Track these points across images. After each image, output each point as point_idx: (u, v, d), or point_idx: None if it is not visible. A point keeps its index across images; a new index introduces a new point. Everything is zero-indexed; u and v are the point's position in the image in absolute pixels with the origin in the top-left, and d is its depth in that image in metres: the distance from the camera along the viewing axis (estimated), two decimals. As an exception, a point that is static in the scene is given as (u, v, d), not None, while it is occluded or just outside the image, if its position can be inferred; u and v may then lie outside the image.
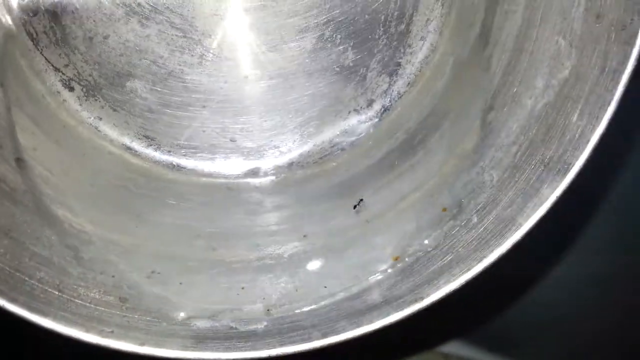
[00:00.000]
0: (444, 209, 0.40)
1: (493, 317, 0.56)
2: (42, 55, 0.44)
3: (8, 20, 0.43)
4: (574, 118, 0.35)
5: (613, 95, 0.33)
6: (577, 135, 0.35)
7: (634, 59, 0.33)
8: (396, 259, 0.39)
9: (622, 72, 0.33)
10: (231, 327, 0.37)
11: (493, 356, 0.55)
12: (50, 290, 0.35)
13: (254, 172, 0.46)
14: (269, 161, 0.46)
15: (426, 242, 0.39)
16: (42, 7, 0.43)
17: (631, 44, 0.33)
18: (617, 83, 0.33)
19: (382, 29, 0.45)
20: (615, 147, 0.55)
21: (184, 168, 0.46)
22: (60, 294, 0.35)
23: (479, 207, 0.38)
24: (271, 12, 0.45)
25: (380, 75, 0.46)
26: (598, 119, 0.34)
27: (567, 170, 0.34)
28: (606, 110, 0.33)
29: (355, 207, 0.43)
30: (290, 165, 0.46)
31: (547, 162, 0.36)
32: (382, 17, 0.45)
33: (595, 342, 0.56)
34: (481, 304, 0.54)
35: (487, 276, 0.36)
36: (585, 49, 0.35)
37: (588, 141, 0.34)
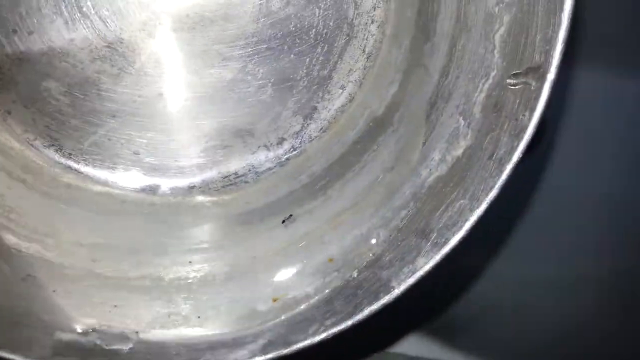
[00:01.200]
0: (330, 260, 0.41)
1: (440, 312, 0.58)
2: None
3: None
4: (459, 195, 0.37)
5: (496, 181, 0.35)
6: (457, 213, 0.36)
7: (520, 151, 0.35)
8: (275, 300, 0.40)
9: (508, 161, 0.35)
10: (95, 344, 0.37)
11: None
12: None
13: (152, 189, 0.46)
14: (170, 181, 0.46)
15: (307, 289, 0.40)
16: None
17: (520, 137, 0.34)
18: (502, 171, 0.35)
19: (304, 71, 0.46)
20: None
21: (81, 174, 0.45)
22: None
23: (361, 264, 0.40)
24: (199, 36, 0.45)
25: (295, 116, 0.47)
26: (479, 201, 0.35)
27: (443, 245, 0.36)
28: (487, 194, 0.35)
29: (284, 221, 0.44)
30: (191, 188, 0.47)
31: (428, 233, 0.37)
32: (307, 60, 0.46)
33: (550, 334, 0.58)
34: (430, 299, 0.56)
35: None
36: (480, 133, 0.37)
37: (466, 220, 0.36)
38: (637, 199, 0.59)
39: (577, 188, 0.58)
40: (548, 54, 0.33)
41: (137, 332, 0.38)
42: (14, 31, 0.43)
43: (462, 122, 0.38)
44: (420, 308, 0.57)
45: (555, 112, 0.57)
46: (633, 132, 0.59)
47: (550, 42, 0.33)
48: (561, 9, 0.32)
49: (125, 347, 0.37)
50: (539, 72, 0.34)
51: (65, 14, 0.44)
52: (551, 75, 0.33)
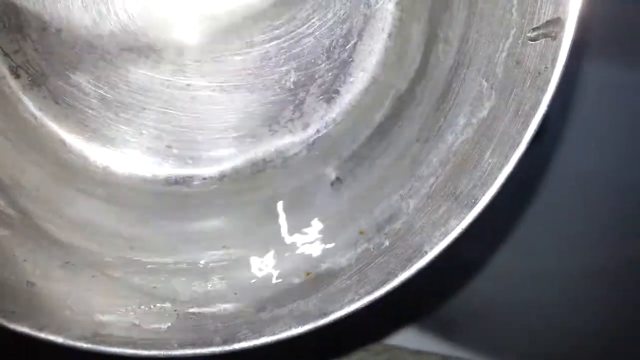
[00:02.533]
0: (362, 232, 0.41)
1: (440, 306, 0.58)
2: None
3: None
4: (487, 156, 0.37)
5: (522, 137, 0.35)
6: (486, 173, 0.36)
7: (545, 104, 0.35)
8: (308, 274, 0.40)
9: (532, 116, 0.35)
10: (134, 324, 0.37)
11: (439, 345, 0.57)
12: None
13: (185, 181, 0.47)
14: (201, 171, 0.47)
15: (340, 260, 0.40)
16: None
17: (544, 90, 0.34)
18: (527, 126, 0.35)
19: (325, 55, 0.47)
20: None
21: (114, 168, 0.46)
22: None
23: (392, 233, 0.40)
24: (222, 24, 0.46)
25: (318, 101, 0.47)
26: (507, 158, 0.35)
27: (473, 204, 0.36)
28: (514, 150, 0.35)
29: (332, 184, 0.44)
30: (222, 177, 0.47)
31: (458, 195, 0.37)
32: (327, 43, 0.47)
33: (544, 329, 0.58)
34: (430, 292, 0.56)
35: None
36: (504, 92, 0.37)
37: (495, 178, 0.36)
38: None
39: (582, 180, 0.58)
40: (565, 5, 0.34)
41: (175, 311, 0.38)
42: (44, 29, 0.45)
43: (485, 84, 0.38)
44: (420, 300, 0.57)
45: (561, 104, 0.57)
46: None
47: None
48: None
49: (163, 325, 0.38)
50: (559, 23, 0.34)
51: (94, 11, 0.45)
52: (570, 24, 0.33)
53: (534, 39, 0.35)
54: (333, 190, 0.44)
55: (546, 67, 0.34)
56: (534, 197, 0.58)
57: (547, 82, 0.34)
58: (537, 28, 0.35)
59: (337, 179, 0.44)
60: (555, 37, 0.34)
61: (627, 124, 0.59)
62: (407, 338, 0.56)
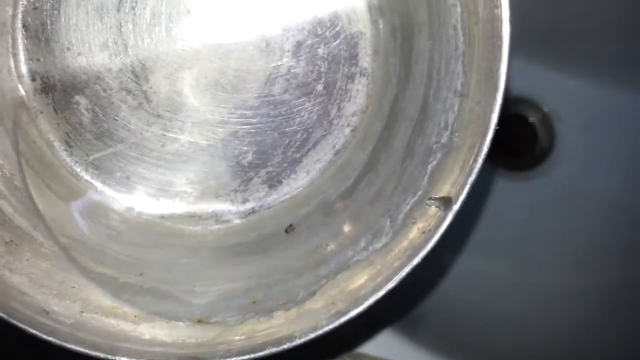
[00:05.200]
0: (254, 302, 0.50)
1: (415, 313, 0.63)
2: (24, 41, 0.54)
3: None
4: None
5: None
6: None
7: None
8: (199, 320, 0.49)
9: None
10: None
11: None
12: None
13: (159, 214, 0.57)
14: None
15: (228, 319, 0.49)
16: (42, 7, 0.54)
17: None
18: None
19: (282, 150, 0.57)
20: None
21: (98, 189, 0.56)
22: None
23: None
24: (209, 95, 0.55)
25: (263, 184, 0.57)
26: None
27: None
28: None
29: (286, 230, 0.54)
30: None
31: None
32: (287, 141, 0.57)
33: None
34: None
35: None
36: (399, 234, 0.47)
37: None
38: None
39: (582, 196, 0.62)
40: (461, 188, 0.44)
41: None
42: (68, 49, 0.54)
43: (387, 222, 0.48)
44: (392, 309, 0.61)
45: (565, 125, 0.62)
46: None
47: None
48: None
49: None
50: (449, 201, 0.44)
51: (113, 48, 0.55)
52: (455, 207, 0.43)
53: (429, 205, 0.45)
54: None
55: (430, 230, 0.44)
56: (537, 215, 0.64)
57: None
58: (435, 199, 0.45)
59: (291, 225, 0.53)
60: (443, 212, 0.44)
61: (632, 146, 0.65)
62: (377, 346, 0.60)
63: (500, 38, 0.42)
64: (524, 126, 0.70)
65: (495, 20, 0.42)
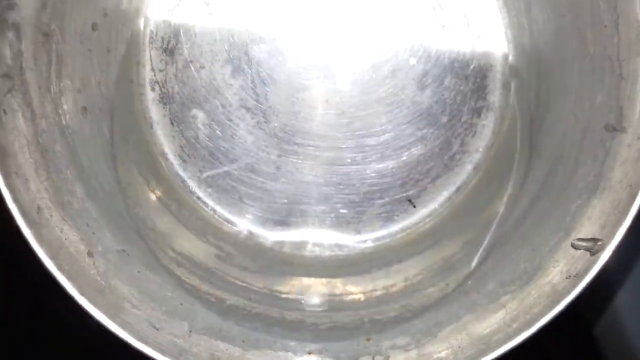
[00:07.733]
0: (368, 339, 0.46)
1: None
2: (149, 50, 0.53)
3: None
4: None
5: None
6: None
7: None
8: (310, 353, 0.45)
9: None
10: None
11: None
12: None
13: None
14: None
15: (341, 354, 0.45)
16: (171, 21, 0.53)
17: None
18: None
19: (399, 184, 0.54)
20: None
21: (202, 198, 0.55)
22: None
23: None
24: (328, 120, 0.54)
25: (377, 217, 0.55)
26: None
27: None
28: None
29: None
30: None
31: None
32: (405, 173, 0.54)
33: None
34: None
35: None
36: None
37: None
38: None
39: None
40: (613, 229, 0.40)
41: None
42: (191, 61, 0.53)
43: (521, 265, 0.44)
44: None
45: None
46: None
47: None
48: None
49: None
50: (597, 243, 0.40)
51: (236, 63, 0.53)
52: (608, 250, 0.39)
53: (576, 247, 0.41)
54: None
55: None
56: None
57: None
58: (583, 239, 0.41)
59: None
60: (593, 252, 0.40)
61: None
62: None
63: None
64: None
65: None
